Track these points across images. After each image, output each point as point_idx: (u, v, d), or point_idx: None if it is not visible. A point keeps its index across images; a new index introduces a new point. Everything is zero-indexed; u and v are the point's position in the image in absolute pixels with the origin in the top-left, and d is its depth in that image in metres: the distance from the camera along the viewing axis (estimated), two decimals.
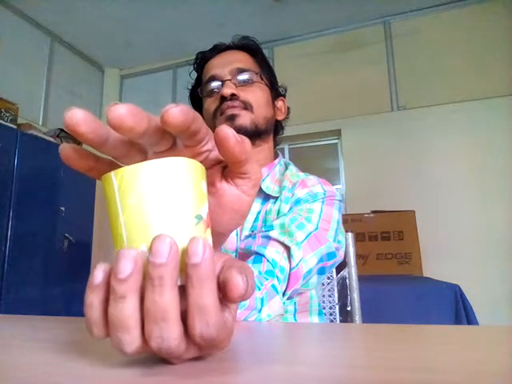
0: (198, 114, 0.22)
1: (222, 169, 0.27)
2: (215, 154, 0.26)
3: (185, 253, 0.20)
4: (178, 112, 0.20)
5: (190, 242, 0.19)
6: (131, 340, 0.19)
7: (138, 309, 0.19)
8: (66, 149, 0.23)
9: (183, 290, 0.20)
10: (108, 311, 0.19)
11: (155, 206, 0.20)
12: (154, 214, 0.20)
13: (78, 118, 0.20)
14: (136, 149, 0.24)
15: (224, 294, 0.21)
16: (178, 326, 0.19)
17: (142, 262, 0.19)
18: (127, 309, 0.19)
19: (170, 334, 0.19)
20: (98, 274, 0.20)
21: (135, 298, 0.19)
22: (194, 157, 0.25)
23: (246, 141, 0.24)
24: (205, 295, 0.19)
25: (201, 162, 0.25)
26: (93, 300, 0.20)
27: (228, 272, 0.21)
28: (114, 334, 0.19)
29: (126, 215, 0.20)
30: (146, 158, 0.25)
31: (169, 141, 0.24)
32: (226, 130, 0.23)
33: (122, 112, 0.19)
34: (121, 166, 0.25)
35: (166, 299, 0.18)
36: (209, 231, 0.23)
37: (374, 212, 2.28)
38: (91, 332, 0.20)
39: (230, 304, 0.22)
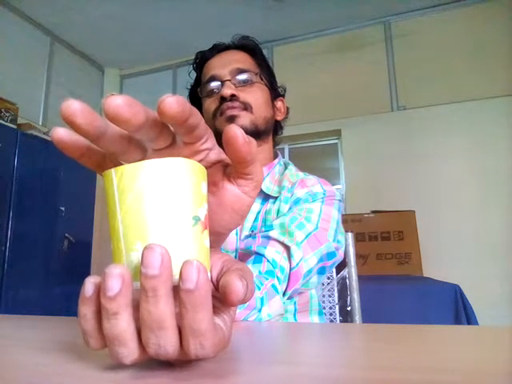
0: (195, 109, 0.22)
1: (224, 168, 0.27)
2: (215, 152, 0.26)
3: (181, 253, 0.20)
4: (174, 101, 0.20)
5: (184, 266, 0.18)
6: (129, 353, 0.19)
7: (132, 322, 0.19)
8: (57, 132, 0.22)
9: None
10: (102, 325, 0.19)
11: (152, 206, 0.20)
12: (151, 214, 0.20)
13: (75, 108, 0.19)
14: (135, 146, 0.24)
15: (223, 298, 0.21)
16: (174, 332, 0.19)
17: (130, 277, 0.18)
18: (121, 324, 0.19)
19: (166, 341, 0.19)
20: (88, 286, 0.19)
21: (127, 313, 0.19)
22: (193, 155, 0.25)
23: (253, 142, 0.24)
24: (199, 320, 0.18)
25: (200, 160, 0.25)
26: (86, 312, 0.20)
27: (228, 276, 0.21)
28: (110, 347, 0.19)
29: (123, 212, 0.20)
30: (144, 156, 0.25)
31: (168, 137, 0.24)
32: (235, 130, 0.23)
33: (118, 103, 0.19)
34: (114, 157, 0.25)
35: (161, 309, 0.18)
36: (206, 232, 0.23)
37: (373, 212, 2.28)
38: (88, 343, 0.20)
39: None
